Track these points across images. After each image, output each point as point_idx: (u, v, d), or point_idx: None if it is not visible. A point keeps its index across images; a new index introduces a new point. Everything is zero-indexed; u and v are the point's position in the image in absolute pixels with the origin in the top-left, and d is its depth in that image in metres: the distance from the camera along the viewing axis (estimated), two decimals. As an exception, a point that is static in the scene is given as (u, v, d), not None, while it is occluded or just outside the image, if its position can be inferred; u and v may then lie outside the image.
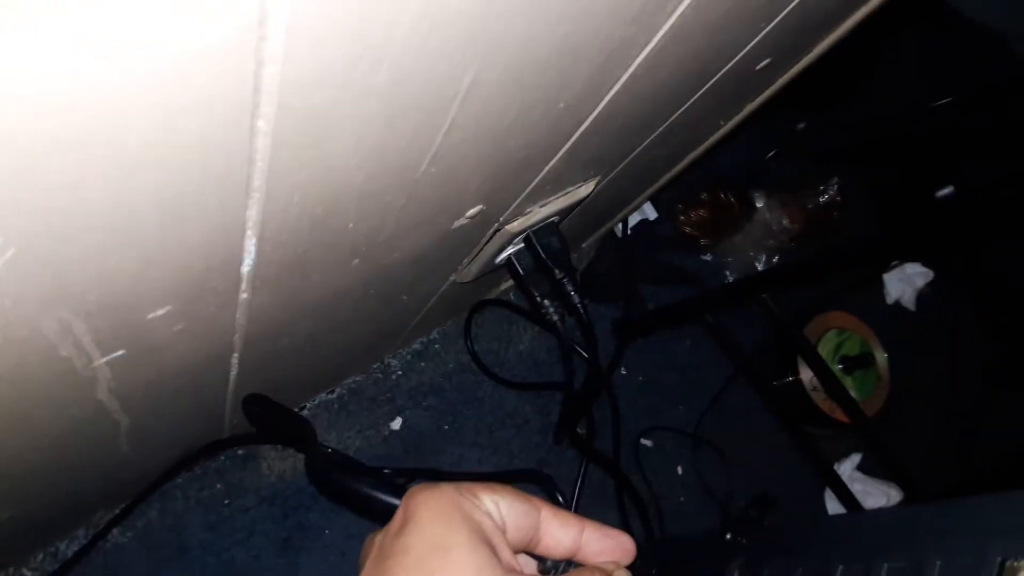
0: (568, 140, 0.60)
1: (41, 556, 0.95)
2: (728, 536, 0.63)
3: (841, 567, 0.48)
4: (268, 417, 0.79)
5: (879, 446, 1.22)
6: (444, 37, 0.33)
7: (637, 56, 0.51)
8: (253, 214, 0.38)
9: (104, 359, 0.44)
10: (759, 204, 1.46)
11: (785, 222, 1.45)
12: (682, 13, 0.47)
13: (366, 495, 0.52)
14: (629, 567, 0.40)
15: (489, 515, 0.34)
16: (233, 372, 0.68)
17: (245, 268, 0.45)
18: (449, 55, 0.35)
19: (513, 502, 0.35)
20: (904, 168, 1.51)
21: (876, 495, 1.33)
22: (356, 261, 0.57)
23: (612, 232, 1.38)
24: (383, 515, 1.01)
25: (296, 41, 0.27)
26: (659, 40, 0.50)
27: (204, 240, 0.38)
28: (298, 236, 0.45)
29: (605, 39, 0.44)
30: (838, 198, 1.49)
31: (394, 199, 0.49)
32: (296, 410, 1.12)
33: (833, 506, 1.36)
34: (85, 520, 0.97)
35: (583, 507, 1.22)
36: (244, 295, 0.50)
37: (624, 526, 1.24)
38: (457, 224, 0.65)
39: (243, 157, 0.32)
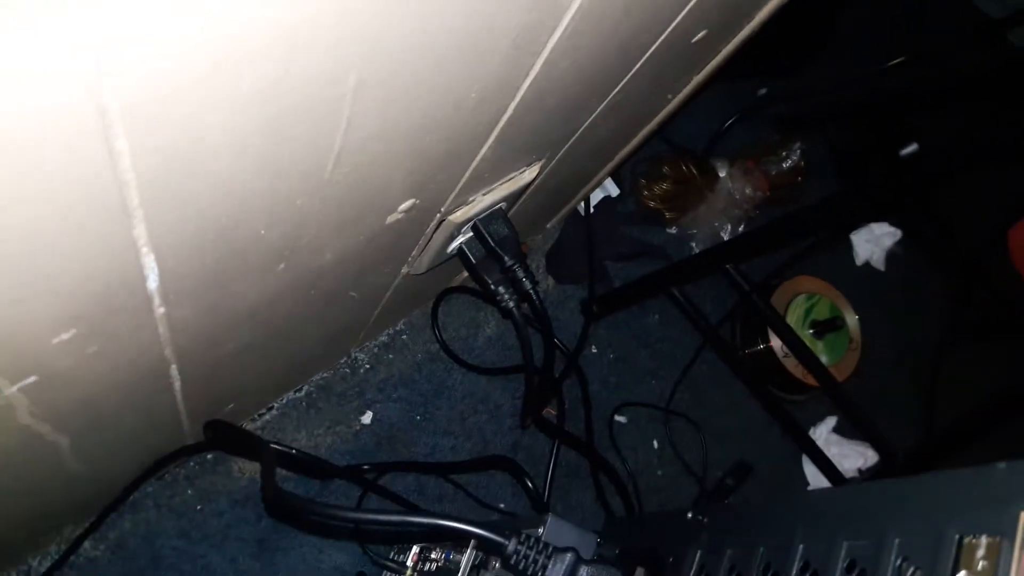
0: (493, 129, 0.59)
1: (13, 574, 0.94)
2: (690, 515, 0.63)
3: (802, 545, 0.48)
4: (229, 442, 0.79)
5: (852, 408, 1.23)
6: (309, 42, 0.32)
7: (547, 41, 0.49)
8: (142, 232, 0.37)
9: (15, 387, 0.44)
10: (722, 173, 1.45)
11: (748, 190, 1.44)
12: (584, -5, 0.46)
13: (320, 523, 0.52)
14: (599, 547, 0.36)
15: None
16: (176, 383, 0.67)
17: (151, 284, 0.44)
18: (320, 59, 0.33)
19: None
20: (866, 129, 1.50)
21: (853, 456, 1.33)
22: (282, 265, 0.56)
23: (575, 211, 1.37)
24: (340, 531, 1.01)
25: (127, 67, 0.26)
26: (568, 23, 0.48)
27: (94, 264, 0.37)
28: (203, 247, 0.44)
29: (503, 28, 0.43)
30: (802, 163, 1.49)
31: (306, 202, 0.48)
32: (260, 413, 1.11)
33: (811, 471, 1.37)
34: (55, 536, 0.97)
35: (559, 487, 1.22)
36: (160, 310, 0.49)
37: (602, 504, 1.25)
38: (391, 219, 0.64)
39: (109, 179, 0.31)
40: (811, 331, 1.42)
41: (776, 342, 1.37)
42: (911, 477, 0.39)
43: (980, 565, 0.30)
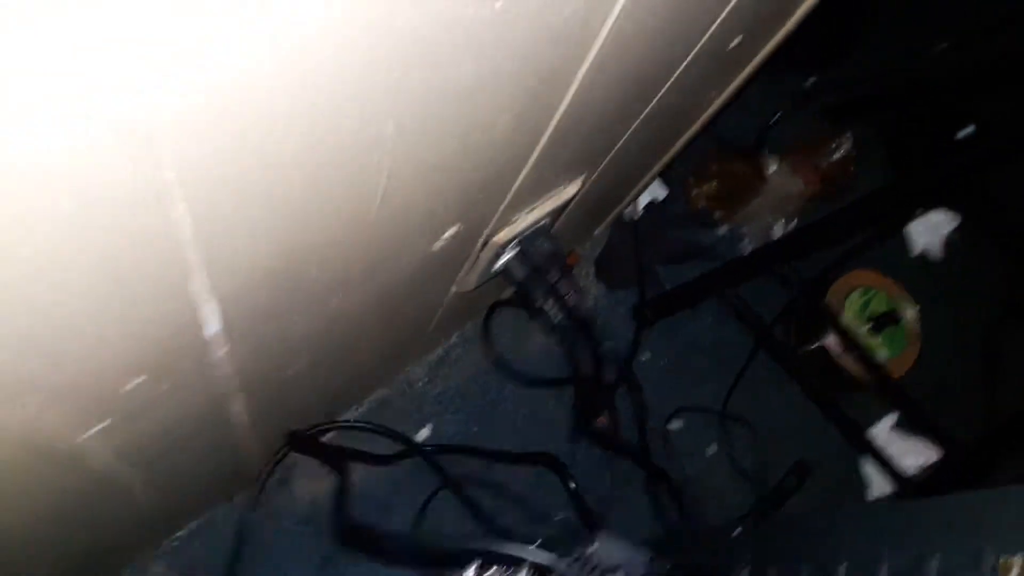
0: (531, 154, 0.60)
1: (94, 597, 0.99)
2: (736, 532, 0.63)
3: (845, 563, 0.48)
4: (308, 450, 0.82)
5: (912, 404, 1.20)
6: (345, 101, 0.33)
7: (576, 71, 0.50)
8: (204, 284, 0.39)
9: (87, 433, 0.46)
10: (771, 168, 1.44)
11: (800, 184, 1.42)
12: (612, 25, 0.46)
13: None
14: (651, 563, 0.32)
15: None
16: (244, 410, 0.70)
17: (212, 330, 0.46)
18: (357, 115, 0.35)
19: None
20: (918, 114, 1.47)
21: (914, 454, 1.30)
22: (335, 299, 0.58)
23: (622, 216, 1.37)
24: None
25: (183, 141, 0.28)
26: (594, 56, 0.49)
27: (160, 315, 0.40)
28: (260, 289, 0.46)
29: (529, 65, 0.44)
30: (853, 153, 1.46)
31: (353, 243, 0.50)
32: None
33: (871, 470, 1.34)
34: (128, 561, 1.01)
35: (616, 497, 1.22)
36: (224, 349, 0.51)
37: (656, 512, 1.24)
38: (437, 246, 0.66)
39: (170, 241, 0.33)
40: (869, 325, 1.39)
41: (832, 340, 1.35)
42: (954, 495, 0.39)
43: None
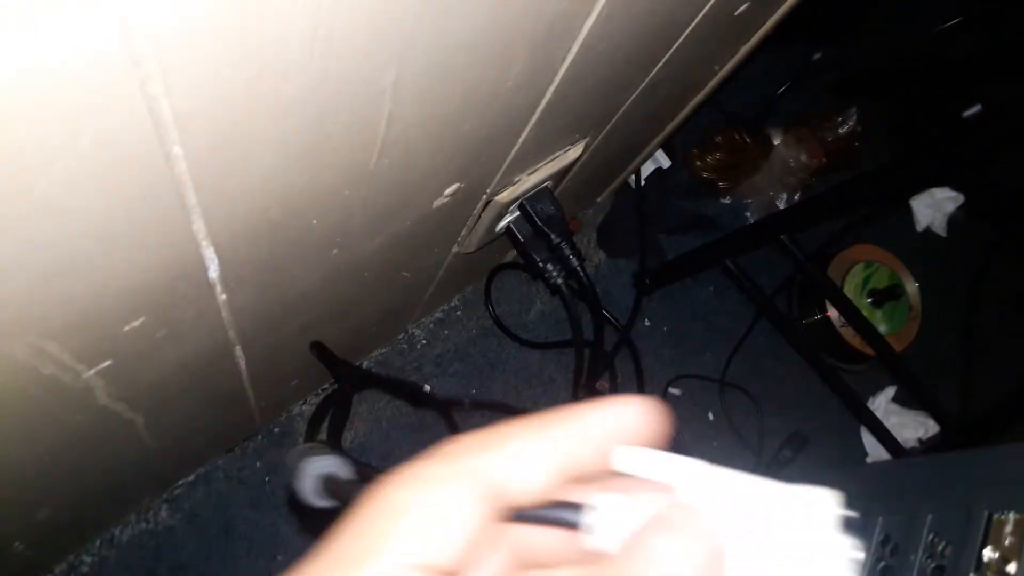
0: (534, 112, 0.61)
1: (98, 542, 1.01)
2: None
3: None
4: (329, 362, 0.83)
5: (911, 378, 1.21)
6: (346, 47, 0.34)
7: (582, 26, 0.50)
8: (201, 227, 0.40)
9: (92, 371, 0.47)
10: (776, 141, 1.43)
11: (804, 157, 1.42)
12: (616, -19, 0.47)
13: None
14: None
15: None
16: (242, 362, 0.71)
17: (212, 274, 0.47)
18: (359, 60, 0.35)
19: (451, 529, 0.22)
20: (925, 92, 1.46)
21: (912, 426, 1.32)
22: (335, 251, 0.59)
23: (626, 184, 1.37)
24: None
25: (179, 77, 0.28)
26: (602, 8, 0.49)
27: (158, 257, 0.40)
28: (258, 239, 0.47)
29: (535, 17, 0.44)
30: (858, 128, 1.46)
31: (353, 193, 0.51)
32: (324, 388, 1.15)
33: (870, 441, 1.36)
34: (135, 507, 1.03)
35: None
36: (222, 296, 0.52)
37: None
38: (438, 203, 0.66)
39: (168, 181, 0.34)
40: (869, 300, 1.40)
41: (833, 312, 1.35)
42: (947, 453, 0.39)
43: (1007, 541, 0.30)
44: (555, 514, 0.23)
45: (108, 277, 0.38)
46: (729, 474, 0.23)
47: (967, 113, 1.44)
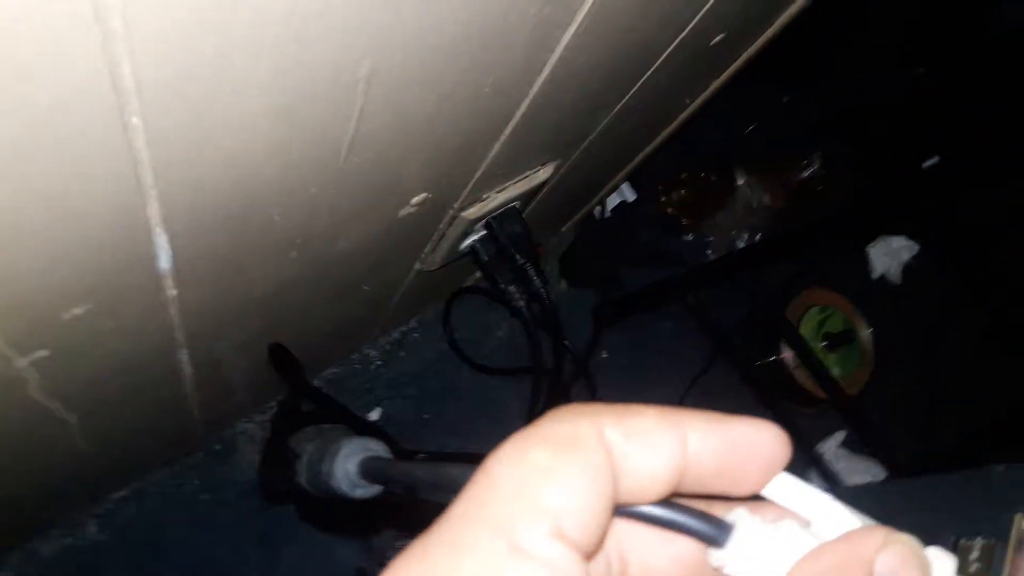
0: (507, 123, 0.60)
1: (18, 555, 0.95)
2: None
3: None
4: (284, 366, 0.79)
5: (862, 423, 1.22)
6: (323, 31, 0.32)
7: (562, 36, 0.50)
8: (156, 211, 0.38)
9: (27, 360, 0.44)
10: (740, 181, 1.45)
11: (767, 199, 1.44)
12: (601, -9, 0.46)
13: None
14: None
15: None
16: (187, 368, 0.68)
17: (163, 265, 0.44)
18: (334, 48, 0.34)
19: (584, 493, 0.19)
20: (889, 140, 1.49)
21: (860, 472, 1.32)
22: (294, 253, 0.57)
23: (591, 215, 1.37)
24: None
25: (145, 40, 0.26)
26: (583, 18, 0.49)
27: (108, 238, 0.38)
28: (216, 230, 0.44)
29: (517, 21, 0.43)
30: (822, 172, 1.48)
31: (320, 191, 0.49)
32: (270, 405, 1.11)
33: (818, 484, 1.36)
34: (61, 519, 0.98)
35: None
36: (172, 292, 0.49)
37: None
38: (404, 212, 0.65)
39: (124, 154, 0.32)
40: (824, 344, 1.41)
41: (788, 353, 1.36)
42: (911, 479, 0.38)
43: (973, 568, 0.29)
44: (690, 521, 0.21)
45: (52, 254, 0.36)
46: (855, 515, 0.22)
47: (926, 164, 1.48)
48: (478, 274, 1.25)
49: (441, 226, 0.78)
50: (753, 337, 1.42)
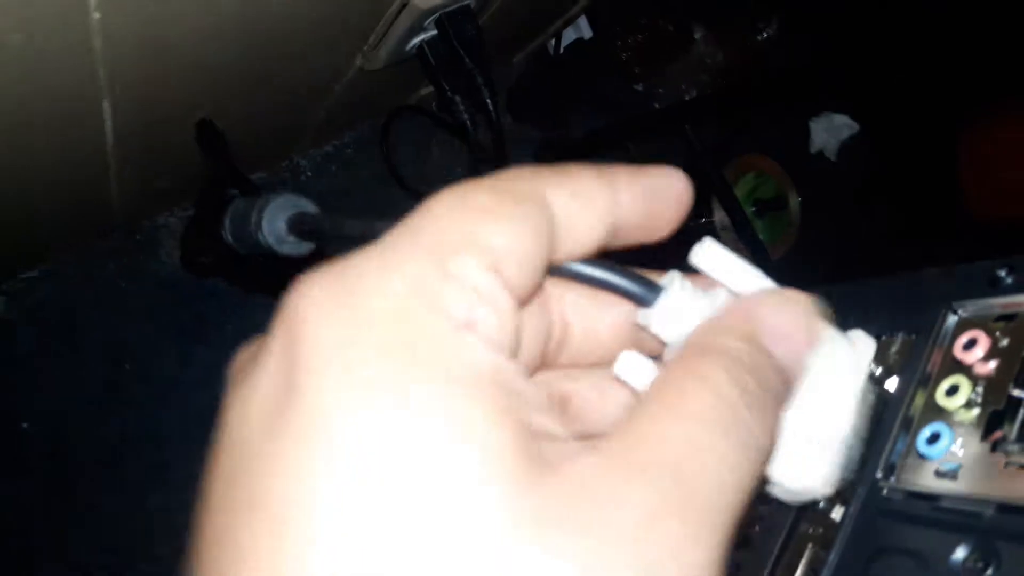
0: None
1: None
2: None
3: None
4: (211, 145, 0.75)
5: (781, 283, 1.26)
6: None
7: None
8: None
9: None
10: (697, 36, 1.42)
11: (720, 57, 1.42)
12: None
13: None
14: None
15: (496, 325, 0.17)
16: (108, 122, 0.64)
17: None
18: None
19: (524, 238, 0.18)
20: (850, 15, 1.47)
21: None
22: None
23: (544, 48, 1.33)
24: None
25: None
26: None
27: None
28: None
29: None
30: (778, 36, 1.46)
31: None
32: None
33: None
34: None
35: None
36: (96, 15, 0.45)
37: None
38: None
39: None
40: (754, 208, 1.44)
41: (718, 215, 1.38)
42: (840, 284, 0.39)
43: (892, 360, 0.30)
44: (623, 281, 0.21)
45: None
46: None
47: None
48: (423, 92, 1.21)
49: (389, 13, 0.74)
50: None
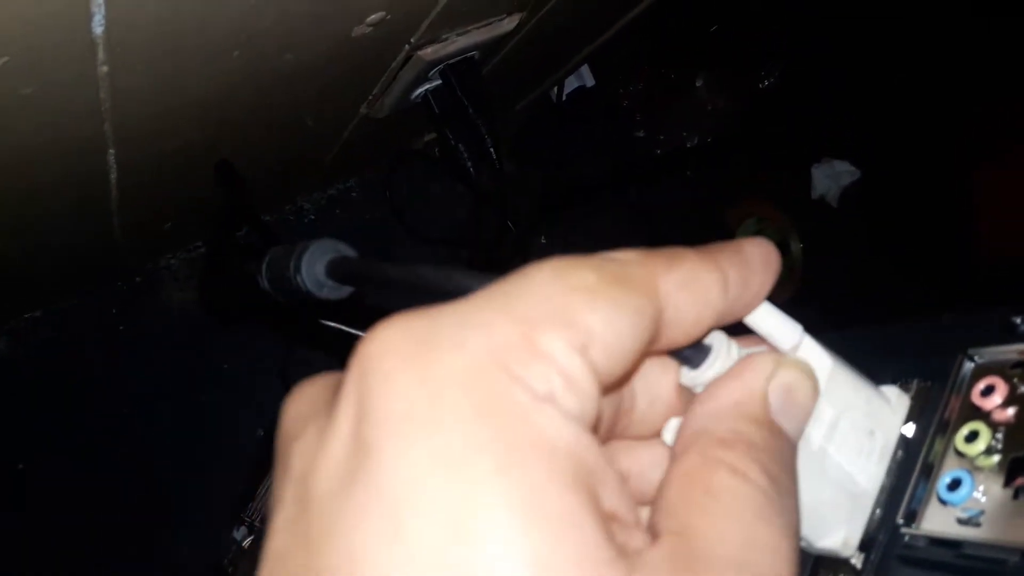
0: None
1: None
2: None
3: None
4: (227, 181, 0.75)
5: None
6: None
7: None
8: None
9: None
10: (699, 83, 1.44)
11: (722, 104, 1.43)
12: None
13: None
14: None
15: (578, 401, 0.16)
16: (113, 173, 0.65)
17: (96, 28, 0.41)
18: None
19: (621, 325, 0.17)
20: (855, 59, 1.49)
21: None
22: (237, 52, 0.53)
23: (548, 97, 1.34)
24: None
25: None
26: None
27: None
28: (156, 9, 0.41)
29: None
30: (781, 84, 1.48)
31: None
32: (197, 245, 1.08)
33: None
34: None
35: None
36: (104, 68, 0.46)
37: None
38: (358, 32, 0.61)
39: None
40: (756, 254, 1.44)
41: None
42: (857, 329, 0.39)
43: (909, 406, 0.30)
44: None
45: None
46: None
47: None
48: (427, 138, 1.22)
49: (394, 64, 0.75)
50: (689, 239, 1.44)
